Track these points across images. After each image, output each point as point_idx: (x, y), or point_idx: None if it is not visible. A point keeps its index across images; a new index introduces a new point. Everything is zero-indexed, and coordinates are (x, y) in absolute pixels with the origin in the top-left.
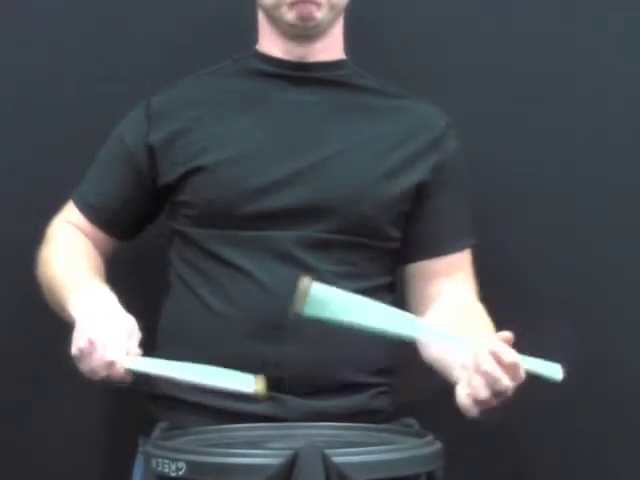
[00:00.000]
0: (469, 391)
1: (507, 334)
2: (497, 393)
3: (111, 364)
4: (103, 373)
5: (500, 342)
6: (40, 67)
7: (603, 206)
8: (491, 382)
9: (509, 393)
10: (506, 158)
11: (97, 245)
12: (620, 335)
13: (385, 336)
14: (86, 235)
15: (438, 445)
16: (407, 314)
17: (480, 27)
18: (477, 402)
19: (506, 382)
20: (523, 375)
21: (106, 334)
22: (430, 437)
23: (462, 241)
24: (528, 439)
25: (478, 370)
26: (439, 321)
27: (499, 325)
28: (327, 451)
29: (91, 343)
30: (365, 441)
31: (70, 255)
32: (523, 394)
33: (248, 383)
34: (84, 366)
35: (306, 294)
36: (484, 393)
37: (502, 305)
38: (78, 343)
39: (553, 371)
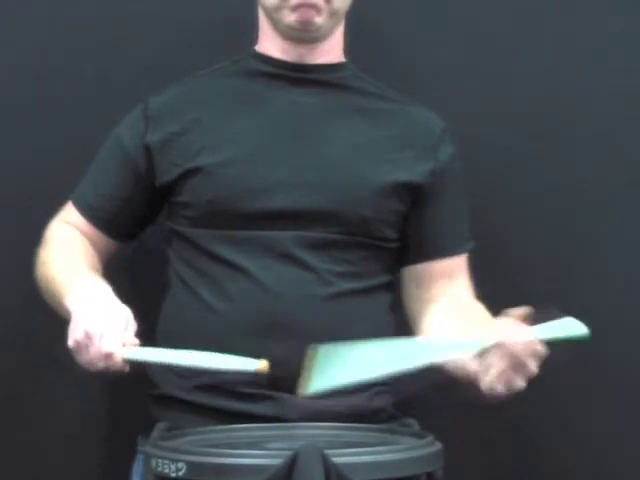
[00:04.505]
0: (497, 375)
1: (519, 311)
2: (522, 371)
3: (108, 355)
4: (101, 365)
5: (511, 326)
6: (40, 67)
7: (603, 206)
8: (517, 365)
9: (534, 368)
10: (506, 158)
11: (96, 246)
12: (620, 335)
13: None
14: (85, 236)
15: (438, 445)
16: (410, 340)
17: (480, 27)
18: (507, 385)
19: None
20: (541, 349)
21: (102, 326)
22: (430, 437)
23: (461, 244)
24: (529, 439)
25: (503, 355)
26: (441, 320)
27: None
28: (327, 451)
29: (87, 335)
30: (365, 441)
31: (67, 254)
32: (523, 394)
33: (249, 363)
34: (81, 358)
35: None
36: (512, 375)
37: (501, 305)
38: (75, 335)
39: (576, 328)
